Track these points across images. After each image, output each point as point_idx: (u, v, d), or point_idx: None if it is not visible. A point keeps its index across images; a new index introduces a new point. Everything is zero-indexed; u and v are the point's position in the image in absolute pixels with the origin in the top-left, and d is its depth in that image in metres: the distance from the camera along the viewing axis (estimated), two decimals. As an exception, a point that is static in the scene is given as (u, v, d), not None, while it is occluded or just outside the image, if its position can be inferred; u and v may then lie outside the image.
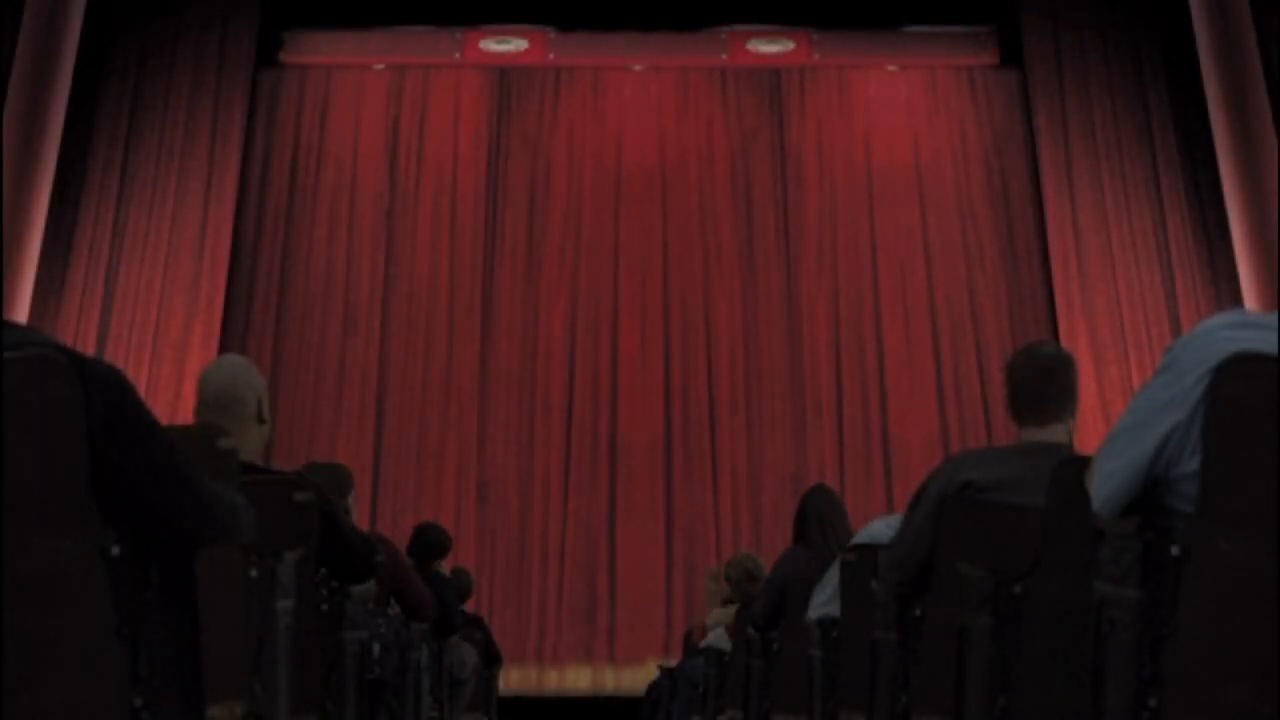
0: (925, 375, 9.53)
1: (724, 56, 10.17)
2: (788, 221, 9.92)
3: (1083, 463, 2.02)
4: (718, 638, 6.04)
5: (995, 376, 9.34)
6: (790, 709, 4.09)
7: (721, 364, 9.63)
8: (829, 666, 3.67)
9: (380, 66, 10.16)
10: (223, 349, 9.09)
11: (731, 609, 5.75)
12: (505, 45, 10.18)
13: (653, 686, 8.13)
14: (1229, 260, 9.04)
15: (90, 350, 8.79)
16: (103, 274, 9.26)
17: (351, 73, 10.18)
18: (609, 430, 9.51)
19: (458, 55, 10.17)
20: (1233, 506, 1.58)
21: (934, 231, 9.84)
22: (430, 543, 5.52)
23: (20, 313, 8.57)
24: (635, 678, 8.78)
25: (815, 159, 10.06)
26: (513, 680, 8.72)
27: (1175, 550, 1.61)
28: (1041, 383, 2.77)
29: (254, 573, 2.32)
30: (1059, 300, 9.34)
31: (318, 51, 10.20)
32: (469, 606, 7.03)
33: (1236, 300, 8.80)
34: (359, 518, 7.56)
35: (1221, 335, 1.66)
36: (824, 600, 3.78)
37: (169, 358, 9.11)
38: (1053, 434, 2.75)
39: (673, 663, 7.58)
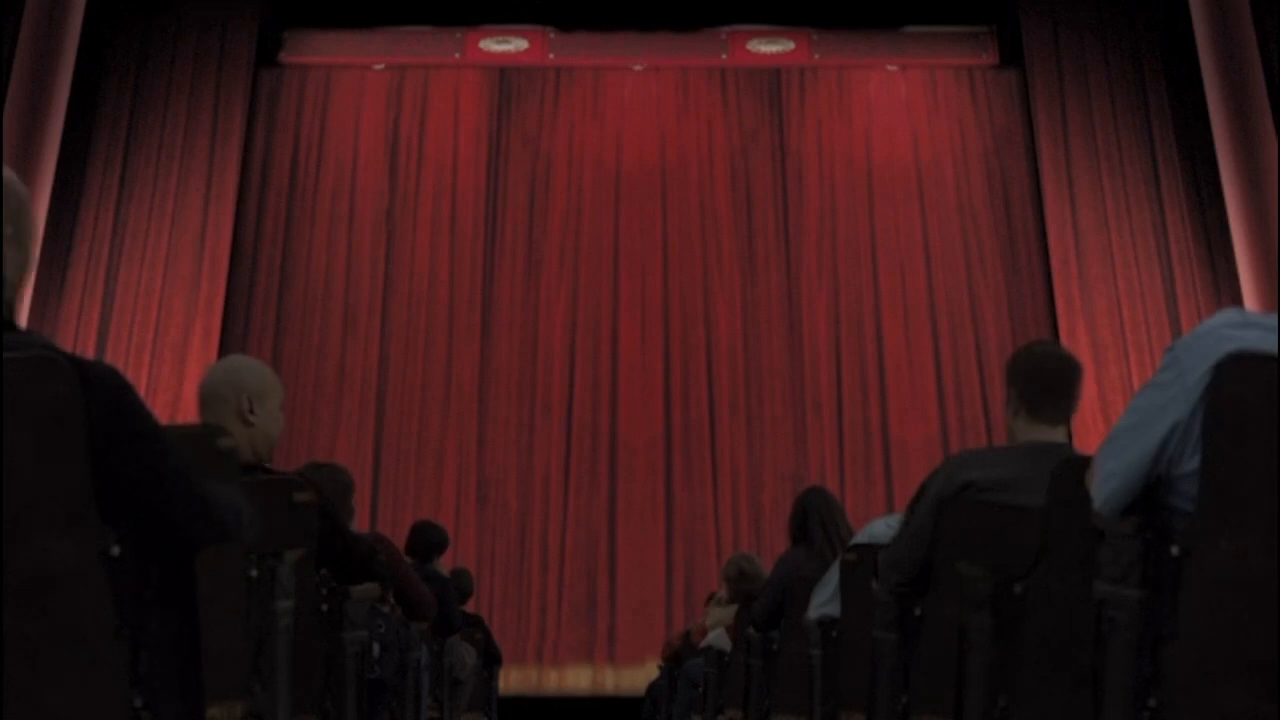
0: (925, 375, 9.53)
1: (724, 56, 10.17)
2: (787, 221, 9.92)
3: (1083, 463, 2.02)
4: (718, 638, 6.04)
5: (995, 376, 9.34)
6: (790, 709, 4.09)
7: (721, 364, 9.63)
8: (829, 666, 3.67)
9: (380, 66, 10.16)
10: (223, 349, 9.09)
11: (731, 609, 5.75)
12: (505, 45, 10.18)
13: (653, 686, 8.13)
14: (1229, 260, 9.04)
15: (90, 351, 8.79)
16: (103, 274, 9.26)
17: (351, 73, 10.18)
18: (609, 430, 9.51)
19: (458, 55, 10.18)
20: (1233, 506, 1.58)
21: (934, 231, 9.84)
22: (428, 541, 5.52)
23: (20, 313, 8.56)
24: (635, 678, 8.78)
25: (815, 159, 10.06)
26: (513, 680, 8.72)
27: (1175, 550, 1.61)
28: (1060, 383, 2.76)
29: (254, 573, 2.32)
30: (1059, 300, 9.34)
31: (318, 51, 10.21)
32: (469, 606, 7.03)
33: (1236, 300, 8.80)
34: (359, 518, 7.56)
35: (1222, 334, 1.66)
36: (824, 600, 3.78)
37: (169, 358, 9.11)
38: (1056, 434, 2.75)
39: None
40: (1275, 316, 1.69)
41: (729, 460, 9.39)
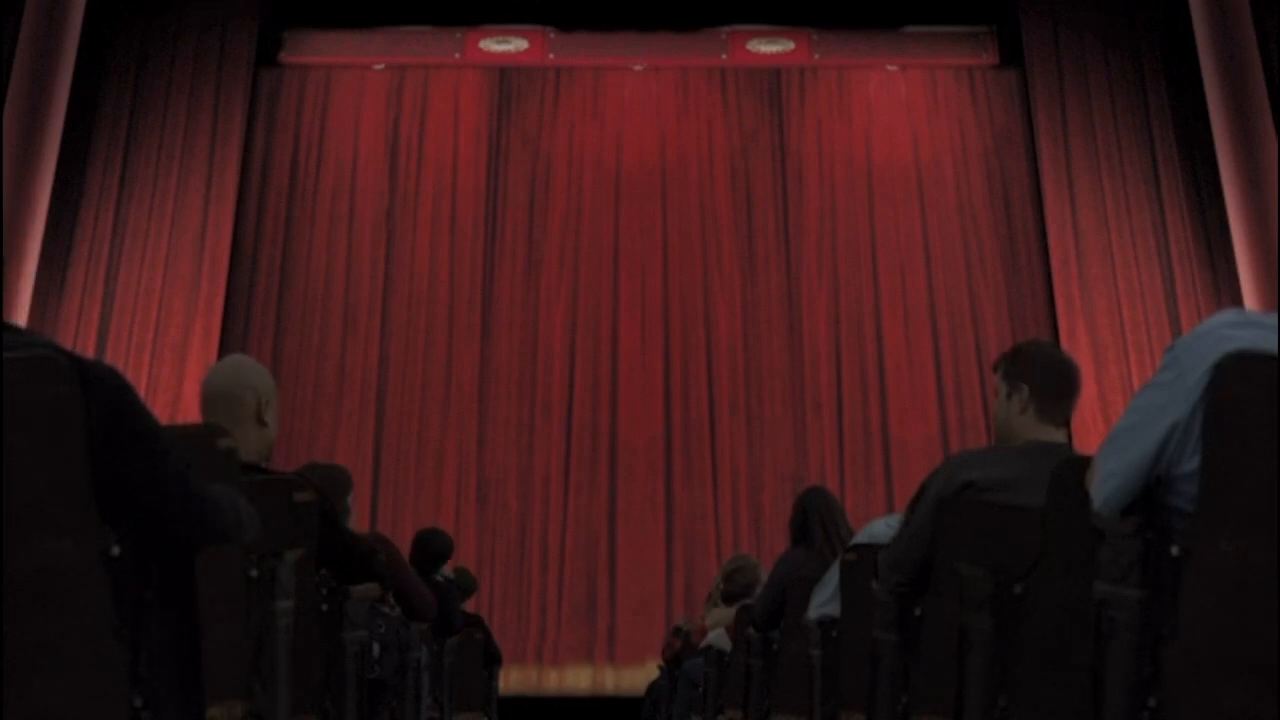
0: (925, 375, 9.53)
1: (724, 56, 10.17)
2: (787, 221, 9.92)
3: (1083, 463, 2.02)
4: (718, 638, 6.04)
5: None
6: (790, 709, 4.09)
7: (721, 364, 9.63)
8: (829, 666, 3.67)
9: (380, 66, 10.16)
10: (223, 349, 9.09)
11: (732, 609, 5.75)
12: (505, 45, 10.18)
13: (653, 686, 8.13)
14: (1229, 260, 9.04)
15: (90, 351, 8.79)
16: (103, 274, 9.26)
17: (351, 73, 10.18)
18: (609, 430, 9.51)
19: (458, 55, 10.18)
20: (1233, 506, 1.58)
21: (934, 231, 9.84)
22: (433, 551, 5.51)
23: (20, 313, 8.57)
24: (635, 678, 8.78)
25: (815, 159, 10.06)
26: (513, 680, 8.72)
27: (1175, 550, 1.61)
28: (1073, 386, 2.75)
29: (254, 573, 2.32)
30: (1059, 300, 9.34)
31: (318, 51, 10.21)
32: (469, 605, 7.03)
33: (1236, 300, 8.80)
34: (359, 517, 7.56)
35: (1223, 334, 1.66)
36: (824, 600, 3.78)
37: (169, 358, 9.11)
38: (1059, 435, 2.74)
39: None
40: (1275, 316, 1.69)
41: (729, 460, 9.39)
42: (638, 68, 10.21)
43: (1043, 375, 2.73)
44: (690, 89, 10.23)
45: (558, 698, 8.88)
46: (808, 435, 9.44)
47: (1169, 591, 1.61)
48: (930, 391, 9.48)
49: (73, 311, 9.14)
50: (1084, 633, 1.90)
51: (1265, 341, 1.62)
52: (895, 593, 2.85)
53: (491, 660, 7.06)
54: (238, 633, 2.24)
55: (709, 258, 9.86)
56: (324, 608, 2.94)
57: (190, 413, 8.40)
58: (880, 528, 3.55)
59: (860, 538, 3.62)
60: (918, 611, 2.80)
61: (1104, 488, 1.75)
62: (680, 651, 7.35)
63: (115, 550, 1.48)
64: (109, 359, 7.46)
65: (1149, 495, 1.72)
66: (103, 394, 1.50)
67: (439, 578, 5.40)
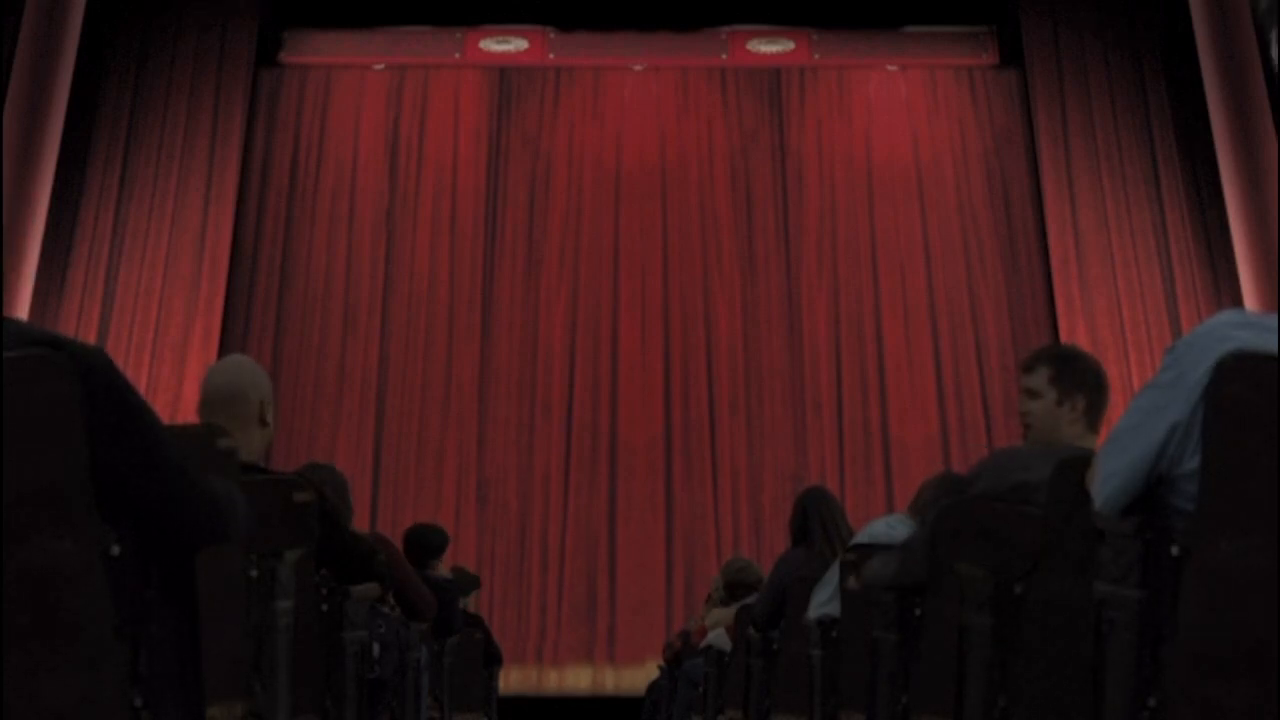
0: (925, 375, 9.53)
1: (724, 56, 10.17)
2: (788, 221, 9.92)
3: (1083, 462, 2.02)
4: (718, 638, 6.04)
5: (995, 376, 9.34)
6: (790, 709, 4.09)
7: (721, 364, 9.63)
8: (829, 666, 3.67)
9: (380, 66, 10.16)
10: (223, 349, 9.09)
11: (732, 609, 5.75)
12: (505, 45, 10.18)
13: (653, 686, 8.13)
14: (1229, 260, 9.04)
15: (90, 350, 8.77)
16: (103, 274, 9.26)
17: (351, 73, 10.18)
18: (609, 430, 9.51)
19: (458, 55, 10.18)
20: (1233, 506, 1.58)
21: (934, 231, 9.84)
22: (422, 544, 5.50)
23: (20, 313, 8.57)
24: (635, 678, 8.78)
25: (815, 159, 10.06)
26: (513, 680, 8.71)
27: (1175, 550, 1.61)
28: (1109, 397, 2.82)
29: (254, 573, 2.32)
30: (1059, 300, 9.34)
31: (318, 51, 10.21)
32: (470, 605, 7.02)
33: (1236, 300, 8.80)
34: (359, 517, 7.56)
35: (1222, 334, 1.66)
36: (824, 600, 3.78)
37: (169, 358, 9.11)
38: (1097, 444, 2.76)
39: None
40: (1275, 316, 1.69)
41: (729, 460, 9.39)
42: (638, 68, 10.21)
43: (1096, 388, 2.79)
44: (690, 89, 10.23)
45: (557, 698, 8.88)
46: (808, 435, 9.44)
47: (1169, 591, 1.61)
48: (930, 391, 9.48)
49: (73, 311, 9.14)
50: (1084, 633, 1.90)
51: (1265, 342, 1.62)
52: (899, 587, 2.86)
53: (491, 660, 7.06)
54: (238, 633, 2.24)
55: (709, 258, 9.86)
56: (324, 608, 2.94)
57: (190, 413, 8.40)
58: (880, 528, 3.55)
59: (860, 538, 3.62)
60: (918, 611, 2.80)
61: (1105, 488, 1.75)
62: (680, 651, 7.35)
63: (115, 550, 1.48)
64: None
65: (1150, 495, 1.72)
66: (90, 375, 1.50)
67: (433, 575, 5.40)
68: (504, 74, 10.25)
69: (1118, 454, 1.73)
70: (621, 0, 10.09)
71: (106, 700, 1.46)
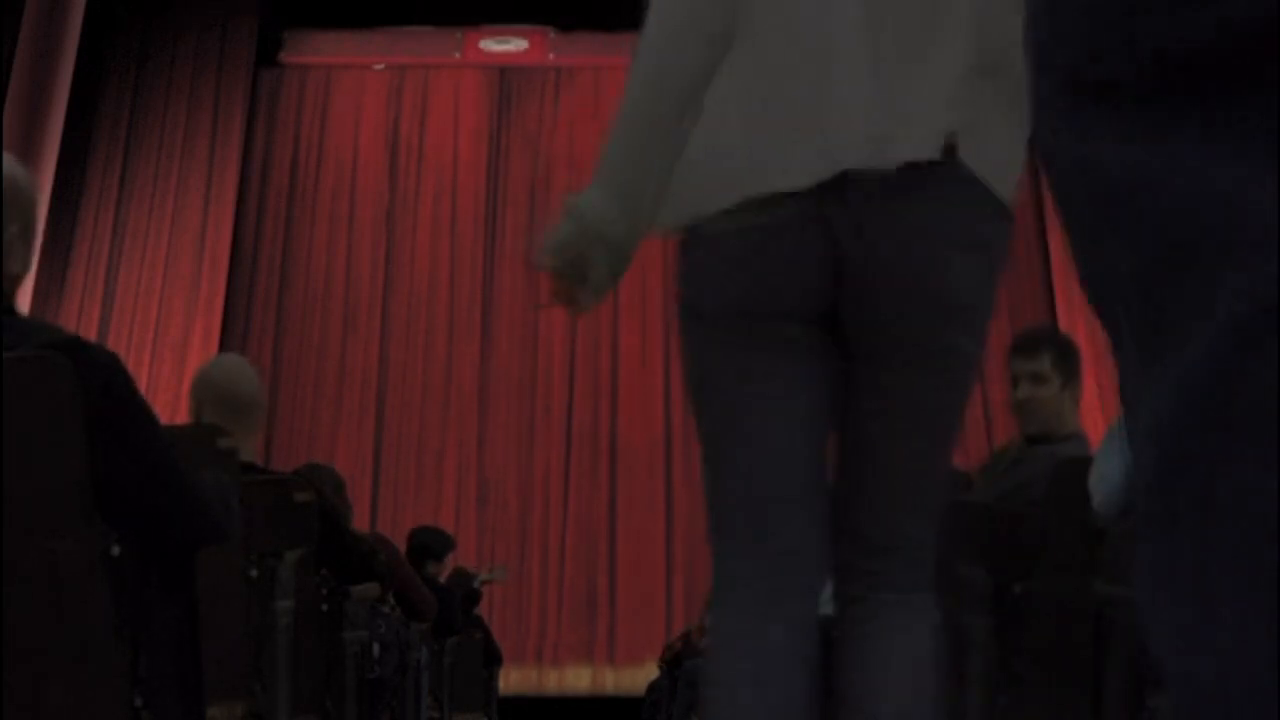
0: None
1: (724, 56, 10.18)
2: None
3: (1083, 463, 2.03)
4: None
5: (995, 376, 9.32)
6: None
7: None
8: (829, 666, 3.67)
9: (380, 66, 10.16)
10: (223, 349, 9.09)
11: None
12: (505, 45, 10.18)
13: (653, 686, 8.13)
14: (1229, 260, 9.06)
15: (90, 350, 8.78)
16: (103, 274, 9.26)
17: (351, 73, 10.18)
18: (609, 430, 9.51)
19: (458, 55, 10.18)
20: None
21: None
22: (418, 545, 5.51)
23: (20, 313, 8.57)
24: (635, 678, 8.78)
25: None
26: (513, 680, 8.71)
27: (1175, 550, 1.61)
28: None
29: (254, 573, 2.32)
30: (1059, 300, 9.35)
31: (318, 51, 10.21)
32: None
33: (1236, 300, 8.82)
34: (359, 517, 7.56)
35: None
36: (824, 600, 3.78)
37: (169, 358, 9.11)
38: None
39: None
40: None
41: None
42: (638, 68, 10.21)
43: (1079, 371, 2.84)
44: (690, 89, 10.22)
45: (557, 698, 8.88)
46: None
47: (1169, 591, 1.61)
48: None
49: (73, 311, 9.14)
50: (1084, 633, 1.90)
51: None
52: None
53: (491, 660, 7.07)
54: (238, 633, 2.24)
55: (709, 258, 9.85)
56: (324, 608, 2.94)
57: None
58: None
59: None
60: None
61: (1103, 487, 1.75)
62: (680, 651, 7.35)
63: (115, 550, 1.48)
64: (109, 359, 7.45)
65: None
66: (96, 375, 1.50)
67: (428, 575, 5.41)
68: (504, 74, 10.25)
69: (1116, 454, 1.73)
70: (621, 0, 10.08)
71: (106, 700, 1.46)
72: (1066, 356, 2.86)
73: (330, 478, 3.98)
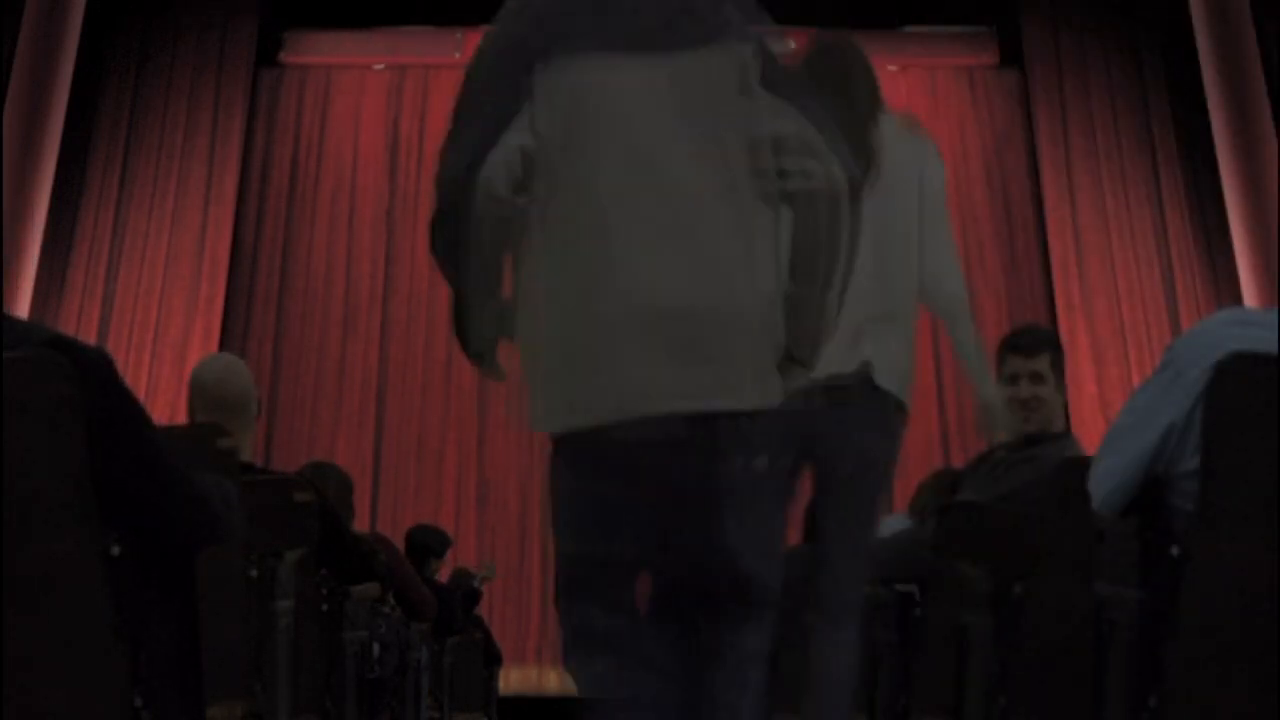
0: (925, 375, 9.51)
1: (724, 56, 10.16)
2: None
3: (1084, 463, 2.02)
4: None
5: (996, 378, 9.30)
6: (790, 709, 4.09)
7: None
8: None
9: (380, 66, 10.16)
10: (223, 349, 9.08)
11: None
12: (505, 45, 10.17)
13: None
14: (1229, 260, 9.03)
15: (90, 350, 8.76)
16: (103, 274, 9.26)
17: (351, 73, 10.18)
18: (609, 430, 9.50)
19: (458, 55, 10.16)
20: (1233, 506, 1.58)
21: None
22: (418, 544, 5.51)
23: (20, 313, 8.57)
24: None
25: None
26: (513, 680, 8.71)
27: (1175, 550, 1.61)
28: None
29: (254, 573, 2.32)
30: (1059, 300, 9.34)
31: (318, 51, 10.20)
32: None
33: (1236, 300, 8.79)
34: (359, 518, 7.56)
35: (1222, 333, 1.66)
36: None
37: (169, 358, 9.10)
38: None
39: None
40: (1275, 316, 1.69)
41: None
42: (638, 68, 10.20)
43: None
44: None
45: (558, 698, 8.87)
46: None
47: (1169, 591, 1.61)
48: (931, 391, 9.47)
49: (73, 311, 9.14)
50: (1084, 633, 1.90)
51: (1265, 341, 1.62)
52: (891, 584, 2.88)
53: (491, 660, 7.07)
54: (238, 633, 2.24)
55: (709, 258, 9.85)
56: (324, 608, 2.94)
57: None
58: (879, 529, 3.55)
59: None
60: (918, 611, 2.80)
61: (1102, 487, 1.75)
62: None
63: (115, 550, 1.48)
64: (109, 359, 7.44)
65: (1149, 494, 1.72)
66: (94, 376, 1.50)
67: (434, 575, 5.41)
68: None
69: (1115, 453, 1.73)
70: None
71: (106, 700, 1.46)
72: (1061, 357, 2.93)
73: (335, 476, 3.98)
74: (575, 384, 1.77)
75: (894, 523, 3.54)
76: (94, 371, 1.50)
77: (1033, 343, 2.96)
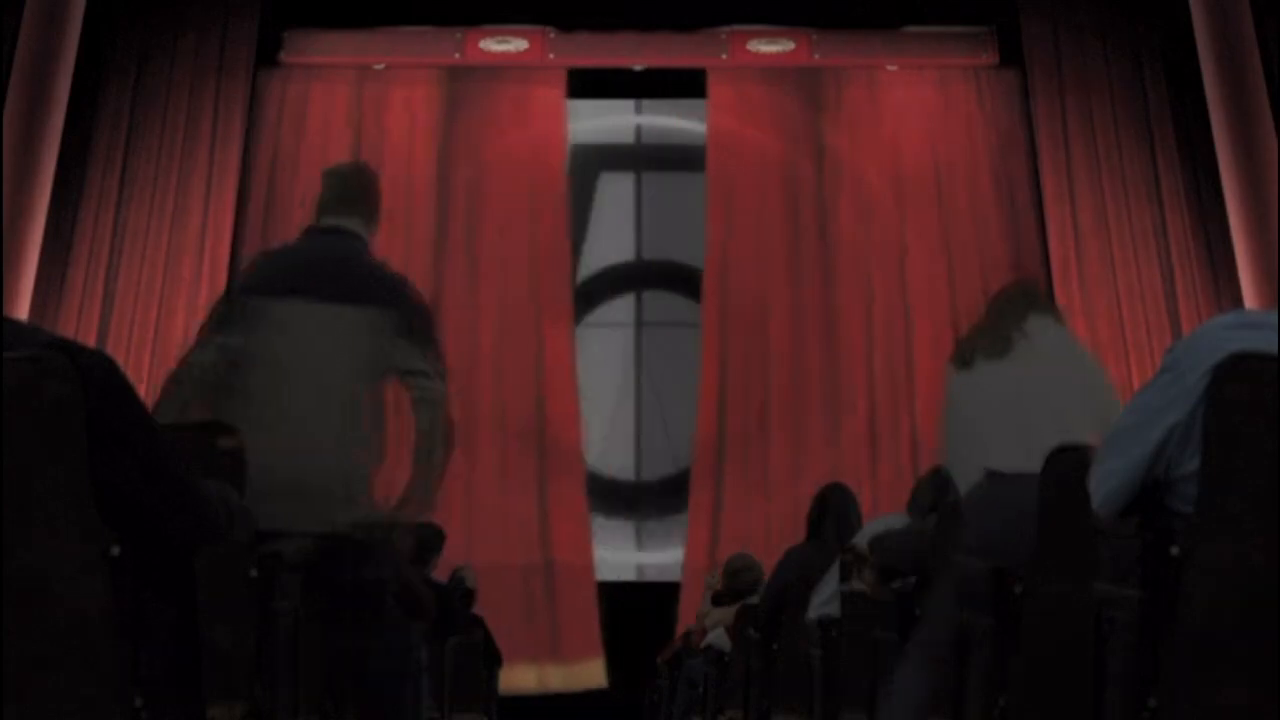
0: (935, 376, 9.51)
1: (724, 56, 10.16)
2: (792, 220, 9.93)
3: (1074, 453, 2.03)
4: (718, 637, 6.04)
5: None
6: (790, 709, 4.09)
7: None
8: (829, 666, 3.67)
9: (380, 66, 10.15)
10: (222, 349, 9.08)
11: (732, 609, 5.75)
12: (505, 45, 10.17)
13: (653, 686, 8.13)
14: (1229, 260, 9.03)
15: (90, 350, 8.75)
16: (103, 274, 9.25)
17: (351, 73, 10.17)
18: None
19: (458, 55, 10.16)
20: (1233, 506, 1.58)
21: (932, 231, 9.82)
22: (420, 542, 5.50)
23: (20, 313, 8.56)
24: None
25: (814, 159, 10.06)
26: (515, 678, 8.69)
27: (1175, 550, 1.61)
28: None
29: (254, 573, 2.32)
30: (1059, 300, 9.33)
31: (318, 51, 10.19)
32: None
33: (1236, 300, 8.79)
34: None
35: (1222, 335, 1.66)
36: (824, 600, 3.79)
37: (169, 358, 9.09)
38: None
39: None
40: (1275, 316, 1.69)
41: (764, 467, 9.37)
42: (638, 68, 10.20)
43: None
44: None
45: (564, 693, 8.86)
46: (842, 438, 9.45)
47: (1169, 591, 1.61)
48: (934, 393, 9.47)
49: (73, 311, 9.13)
50: (1084, 633, 1.90)
51: (1265, 342, 1.62)
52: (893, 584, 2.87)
53: (491, 660, 7.07)
54: (238, 633, 2.24)
55: (709, 258, 9.88)
56: (324, 608, 2.93)
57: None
58: (879, 528, 3.56)
59: (860, 538, 3.62)
60: (918, 611, 2.80)
61: (1102, 488, 1.75)
62: (680, 651, 7.35)
63: (115, 550, 1.48)
64: (109, 359, 7.43)
65: (1149, 495, 1.72)
66: (95, 377, 1.50)
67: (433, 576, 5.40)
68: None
69: (1115, 454, 1.73)
70: (621, 0, 10.07)
71: (106, 700, 1.46)
72: None
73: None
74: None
75: (894, 520, 3.54)
76: (94, 372, 1.50)
77: None
